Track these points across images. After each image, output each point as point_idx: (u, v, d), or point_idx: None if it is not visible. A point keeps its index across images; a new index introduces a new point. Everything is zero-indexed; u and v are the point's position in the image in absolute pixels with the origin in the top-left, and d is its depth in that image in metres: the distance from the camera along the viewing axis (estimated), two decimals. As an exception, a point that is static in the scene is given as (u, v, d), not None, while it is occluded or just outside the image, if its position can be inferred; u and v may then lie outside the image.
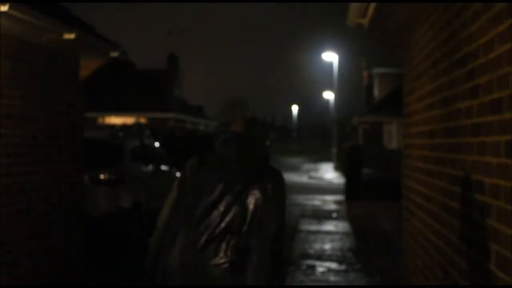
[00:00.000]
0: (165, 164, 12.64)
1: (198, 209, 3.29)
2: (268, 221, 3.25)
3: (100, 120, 34.35)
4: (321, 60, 45.72)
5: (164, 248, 3.41)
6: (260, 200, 3.27)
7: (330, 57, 41.15)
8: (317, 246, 10.64)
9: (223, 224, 3.24)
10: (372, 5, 5.47)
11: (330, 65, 42.14)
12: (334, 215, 15.28)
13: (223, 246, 3.21)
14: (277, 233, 3.25)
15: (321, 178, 30.75)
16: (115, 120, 34.04)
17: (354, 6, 5.84)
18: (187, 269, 3.25)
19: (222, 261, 3.19)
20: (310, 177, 31.60)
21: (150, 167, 11.70)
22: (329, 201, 18.64)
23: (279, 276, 3.29)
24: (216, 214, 3.26)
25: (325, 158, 49.59)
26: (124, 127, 25.28)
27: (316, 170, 38.30)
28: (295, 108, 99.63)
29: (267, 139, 3.59)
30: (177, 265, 3.28)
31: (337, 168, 37.38)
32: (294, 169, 39.24)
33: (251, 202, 3.26)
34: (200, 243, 3.22)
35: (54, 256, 7.25)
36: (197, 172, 3.41)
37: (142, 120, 34.32)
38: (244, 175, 3.31)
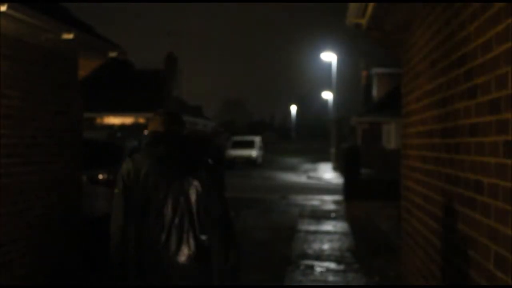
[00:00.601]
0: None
1: (150, 209, 3.49)
2: (213, 206, 3.54)
3: (98, 120, 34.33)
4: (320, 60, 45.72)
5: (128, 252, 3.54)
6: (200, 189, 3.52)
7: (329, 57, 41.15)
8: (315, 246, 10.64)
9: (176, 219, 3.46)
10: (371, 5, 5.47)
11: (329, 65, 42.17)
12: (333, 215, 15.28)
13: (184, 239, 3.44)
14: (224, 215, 3.59)
15: (319, 178, 30.74)
16: (114, 120, 34.05)
17: (353, 6, 5.84)
18: (156, 266, 3.43)
19: (185, 255, 3.42)
20: (309, 177, 31.60)
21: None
22: (328, 201, 18.64)
23: (236, 250, 3.63)
24: (166, 211, 3.48)
25: (324, 158, 49.58)
26: (122, 127, 25.28)
27: (314, 170, 38.30)
28: (293, 108, 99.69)
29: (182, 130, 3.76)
30: (145, 264, 3.46)
31: (336, 168, 37.38)
32: (293, 169, 39.24)
33: (192, 193, 3.51)
34: (161, 241, 3.43)
35: (52, 257, 7.24)
36: (137, 175, 3.62)
37: (141, 120, 34.32)
38: (180, 170, 3.55)
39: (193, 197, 3.51)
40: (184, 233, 3.45)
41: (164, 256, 3.43)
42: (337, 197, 19.70)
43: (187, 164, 3.61)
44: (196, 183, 3.53)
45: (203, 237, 3.47)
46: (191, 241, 3.44)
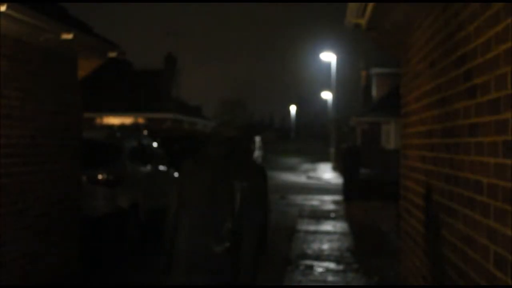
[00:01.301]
0: (163, 164, 12.64)
1: (197, 202, 3.80)
2: (254, 208, 3.80)
3: (98, 120, 34.33)
4: (319, 60, 45.67)
5: (174, 237, 3.90)
6: (247, 191, 3.77)
7: (328, 57, 41.16)
8: (315, 246, 10.64)
9: (219, 214, 3.74)
10: (370, 5, 5.47)
11: (328, 65, 42.17)
12: (332, 215, 15.29)
13: (222, 232, 3.71)
14: (262, 218, 3.86)
15: (319, 178, 30.75)
16: (113, 120, 34.05)
17: (352, 6, 5.84)
18: (194, 252, 3.75)
19: (221, 245, 3.70)
20: (309, 177, 31.61)
21: (148, 168, 11.69)
22: (327, 201, 18.65)
23: (263, 253, 3.95)
24: (212, 205, 3.76)
25: (323, 158, 49.60)
26: (122, 127, 25.29)
27: (314, 170, 38.31)
28: (293, 108, 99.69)
29: (253, 141, 3.96)
30: (184, 250, 3.78)
31: (335, 168, 37.39)
32: (292, 169, 39.26)
33: (240, 193, 3.76)
34: (204, 231, 3.74)
35: (52, 256, 7.25)
36: (192, 170, 3.92)
37: (140, 121, 34.32)
38: (233, 172, 3.81)
39: (238, 197, 3.75)
40: (222, 227, 3.72)
41: (203, 244, 3.72)
42: (337, 197, 19.71)
43: (240, 168, 3.86)
44: (245, 185, 3.78)
45: (238, 233, 3.73)
46: (227, 236, 3.71)
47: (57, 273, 7.39)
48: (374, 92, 37.51)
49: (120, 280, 7.96)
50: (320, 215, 15.11)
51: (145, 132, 18.12)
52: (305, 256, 9.72)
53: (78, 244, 8.10)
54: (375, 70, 36.97)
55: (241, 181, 3.76)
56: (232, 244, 3.72)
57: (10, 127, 6.18)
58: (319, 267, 8.89)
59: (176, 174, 13.10)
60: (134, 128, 25.81)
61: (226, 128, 4.01)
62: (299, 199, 19.17)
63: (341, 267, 8.92)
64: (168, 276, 3.91)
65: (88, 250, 8.65)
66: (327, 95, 59.34)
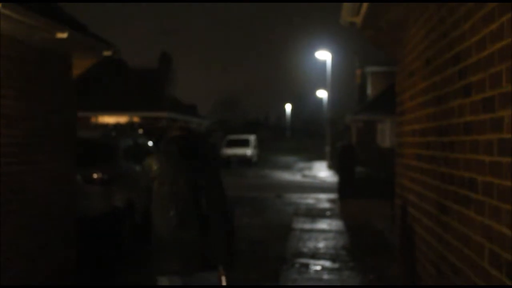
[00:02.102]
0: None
1: (167, 192, 4.44)
2: (212, 186, 4.48)
3: (93, 120, 34.27)
4: (314, 59, 45.66)
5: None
6: (205, 175, 4.49)
7: (324, 55, 41.16)
8: (310, 244, 10.65)
9: (181, 199, 4.39)
10: (365, 4, 5.48)
11: (324, 63, 42.16)
12: (328, 213, 15.30)
13: (188, 215, 4.35)
14: (222, 196, 4.53)
15: (314, 177, 30.77)
16: (108, 119, 33.99)
17: (347, 5, 5.85)
18: (172, 244, 4.33)
19: (189, 227, 4.32)
20: (304, 176, 31.62)
21: (144, 166, 11.67)
22: (323, 200, 18.67)
23: (231, 222, 4.60)
24: (176, 193, 4.43)
25: (319, 157, 49.60)
26: (117, 126, 25.25)
27: (309, 168, 38.32)
28: (288, 107, 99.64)
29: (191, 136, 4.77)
30: (165, 243, 4.36)
31: (331, 166, 37.42)
32: (288, 168, 39.26)
33: (202, 178, 4.46)
34: (175, 215, 4.36)
35: (47, 256, 7.23)
36: (153, 162, 4.67)
37: (135, 119, 34.27)
38: (190, 164, 4.52)
39: (201, 182, 4.43)
40: (192, 211, 4.36)
41: (176, 230, 4.34)
42: (332, 196, 19.73)
43: (193, 157, 4.57)
44: (201, 173, 4.47)
45: (206, 213, 4.37)
46: (196, 216, 4.35)
47: (53, 273, 7.37)
48: (369, 91, 37.53)
49: (115, 279, 7.95)
50: (315, 214, 15.13)
51: (140, 131, 18.10)
52: (301, 254, 9.73)
53: (75, 244, 8.08)
54: (370, 69, 36.99)
55: (196, 168, 4.49)
56: (203, 224, 4.36)
57: (4, 126, 6.16)
58: (315, 265, 8.90)
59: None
60: (129, 127, 25.77)
61: (172, 130, 4.79)
62: (295, 197, 19.18)
63: (336, 265, 8.93)
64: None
65: (83, 249, 8.63)
66: (322, 94, 59.36)
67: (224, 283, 4.35)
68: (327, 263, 9.04)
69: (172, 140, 4.68)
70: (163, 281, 4.35)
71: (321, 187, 23.88)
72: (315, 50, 42.44)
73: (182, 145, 4.60)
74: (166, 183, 4.45)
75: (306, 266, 8.85)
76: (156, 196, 4.50)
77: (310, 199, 18.89)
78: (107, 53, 8.24)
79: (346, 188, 18.89)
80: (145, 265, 8.71)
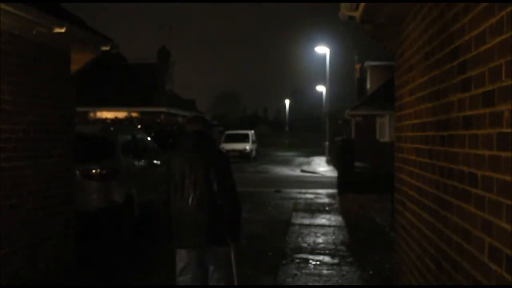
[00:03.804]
0: (156, 158, 12.61)
1: (181, 180, 5.23)
2: (224, 178, 5.26)
3: (91, 115, 34.21)
4: (314, 54, 45.60)
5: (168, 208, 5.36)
6: (215, 170, 5.24)
7: (323, 50, 41.13)
8: (310, 239, 10.65)
9: (200, 191, 5.20)
10: (362, 4, 5.47)
11: (323, 58, 42.12)
12: (327, 208, 15.30)
13: (203, 201, 5.18)
14: (232, 182, 5.32)
15: (313, 172, 30.78)
16: (107, 114, 33.92)
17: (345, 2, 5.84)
18: (183, 216, 5.19)
19: (206, 214, 5.16)
20: (303, 171, 31.64)
21: (142, 161, 11.67)
22: (322, 195, 18.67)
23: (240, 207, 5.38)
24: (194, 183, 5.22)
25: (318, 152, 49.64)
26: (115, 121, 25.21)
27: (308, 163, 38.35)
28: (287, 102, 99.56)
29: (211, 132, 5.70)
30: (181, 223, 5.20)
31: (330, 161, 37.43)
32: (287, 163, 39.28)
33: (213, 171, 5.21)
34: (187, 201, 5.19)
35: (45, 252, 7.22)
36: (172, 158, 5.38)
37: (134, 114, 34.23)
38: (202, 155, 5.27)
39: (212, 174, 5.18)
40: (203, 197, 5.17)
41: (190, 211, 5.16)
42: (331, 191, 19.73)
43: (207, 154, 5.30)
44: (213, 166, 5.21)
45: (218, 201, 5.18)
46: (207, 203, 5.16)
47: (51, 269, 7.37)
48: (368, 85, 37.54)
49: (114, 275, 7.94)
50: (314, 209, 15.13)
51: (139, 126, 18.08)
52: (300, 249, 9.73)
53: (73, 239, 8.08)
54: (369, 63, 36.99)
55: (209, 163, 5.22)
56: (214, 208, 5.17)
57: (3, 121, 6.14)
58: (314, 260, 8.89)
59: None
60: (127, 122, 25.74)
61: (192, 124, 5.44)
62: (294, 192, 19.18)
63: (336, 260, 8.93)
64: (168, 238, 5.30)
65: (82, 245, 8.63)
66: (322, 88, 59.32)
67: (233, 256, 5.26)
68: (327, 258, 9.04)
69: (188, 137, 5.37)
70: (182, 253, 5.24)
71: (320, 182, 23.89)
72: (315, 44, 42.44)
73: (198, 141, 5.31)
74: (186, 175, 5.20)
75: (306, 261, 8.84)
76: (177, 184, 5.23)
77: (309, 194, 18.90)
78: (105, 47, 8.22)
79: (345, 183, 18.88)
80: (144, 262, 8.71)
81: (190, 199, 5.17)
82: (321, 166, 35.04)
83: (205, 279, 5.29)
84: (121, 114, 33.72)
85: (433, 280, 4.43)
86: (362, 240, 10.61)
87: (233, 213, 5.24)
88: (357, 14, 5.98)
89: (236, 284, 5.37)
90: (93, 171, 9.77)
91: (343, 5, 5.98)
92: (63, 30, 6.82)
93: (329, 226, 12.31)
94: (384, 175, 15.82)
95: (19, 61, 6.56)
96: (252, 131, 44.50)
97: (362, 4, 5.62)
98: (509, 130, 2.70)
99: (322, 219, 13.24)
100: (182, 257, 5.26)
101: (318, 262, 8.77)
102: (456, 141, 3.72)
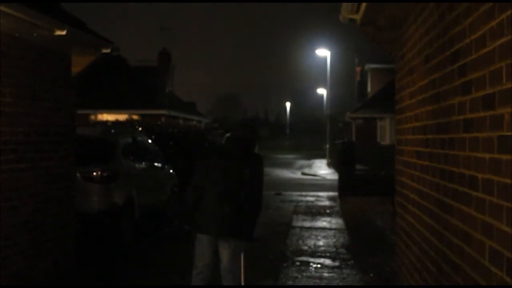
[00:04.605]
0: (157, 160, 12.61)
1: (216, 179, 5.72)
2: (257, 182, 5.85)
3: (92, 117, 34.20)
4: (314, 56, 45.61)
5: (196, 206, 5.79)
6: (252, 172, 5.78)
7: (324, 53, 41.14)
8: (310, 242, 10.64)
9: (230, 188, 5.71)
10: (364, 3, 5.46)
11: (324, 61, 42.14)
12: (328, 211, 15.29)
13: (233, 201, 5.67)
14: (261, 188, 5.92)
15: (314, 175, 30.77)
16: (108, 116, 33.91)
17: (346, 3, 5.83)
18: (212, 207, 5.67)
19: (230, 209, 5.63)
20: (304, 174, 31.63)
21: (143, 164, 11.67)
22: (323, 197, 18.67)
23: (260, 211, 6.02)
24: (226, 182, 5.73)
25: (319, 155, 49.64)
26: (116, 123, 25.20)
27: (309, 166, 38.34)
28: (288, 104, 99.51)
29: (257, 138, 6.13)
30: (207, 213, 5.69)
31: (331, 164, 37.43)
32: (288, 166, 39.27)
33: (246, 174, 5.73)
34: (219, 200, 5.65)
35: (46, 254, 7.22)
36: (209, 159, 5.92)
37: (134, 117, 34.21)
38: (241, 160, 5.79)
39: (246, 177, 5.72)
40: (233, 198, 5.68)
41: (219, 209, 5.63)
42: (332, 193, 19.73)
43: (245, 157, 5.83)
44: (248, 169, 5.73)
45: (242, 203, 5.70)
46: (235, 203, 5.67)
47: (51, 271, 7.36)
48: (369, 88, 37.56)
49: (114, 277, 7.93)
50: (315, 211, 15.12)
51: (140, 129, 18.08)
52: (301, 252, 9.72)
53: (73, 241, 8.07)
54: (370, 66, 37.02)
55: (247, 166, 5.74)
56: (238, 206, 5.67)
57: (3, 124, 6.14)
58: (315, 263, 8.89)
59: (171, 170, 13.11)
60: (128, 125, 25.74)
61: (240, 129, 6.05)
62: (295, 195, 19.18)
63: (336, 263, 8.92)
64: (188, 224, 5.86)
65: (82, 247, 8.62)
66: (323, 91, 59.33)
67: (243, 256, 5.86)
68: (327, 261, 9.03)
69: (235, 140, 5.96)
70: (203, 238, 5.72)
71: (321, 185, 23.88)
72: (316, 47, 42.43)
73: (244, 145, 5.89)
74: (224, 172, 5.71)
75: (307, 264, 8.84)
76: (212, 178, 5.72)
77: (310, 196, 18.89)
78: (106, 50, 8.22)
79: (346, 186, 18.88)
80: (144, 263, 8.71)
81: (221, 193, 5.66)
82: (322, 169, 35.04)
83: (216, 267, 5.80)
84: (122, 117, 33.71)
85: (434, 282, 4.42)
86: (363, 243, 10.61)
87: (254, 214, 5.84)
88: (357, 16, 5.98)
89: (242, 283, 5.86)
90: (94, 173, 9.76)
91: (343, 7, 5.99)
92: (64, 32, 6.83)
93: (330, 229, 12.30)
94: (385, 178, 15.82)
95: (20, 63, 6.56)
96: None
97: (362, 7, 5.62)
98: (509, 133, 2.70)
99: (323, 222, 13.23)
100: (202, 243, 5.76)
101: (319, 265, 8.76)
102: (456, 144, 3.72)
